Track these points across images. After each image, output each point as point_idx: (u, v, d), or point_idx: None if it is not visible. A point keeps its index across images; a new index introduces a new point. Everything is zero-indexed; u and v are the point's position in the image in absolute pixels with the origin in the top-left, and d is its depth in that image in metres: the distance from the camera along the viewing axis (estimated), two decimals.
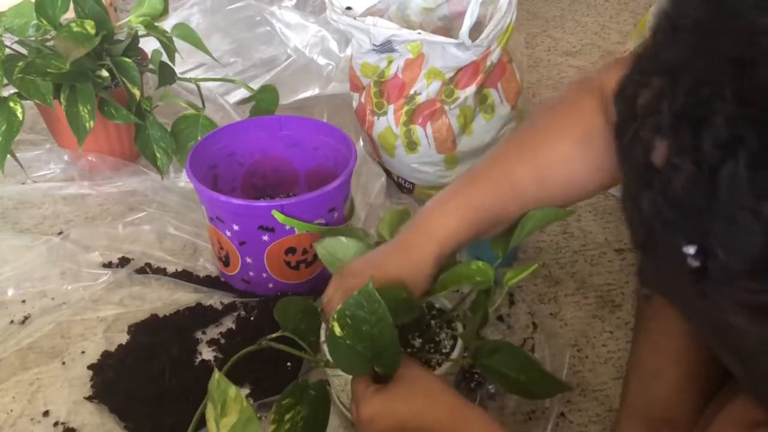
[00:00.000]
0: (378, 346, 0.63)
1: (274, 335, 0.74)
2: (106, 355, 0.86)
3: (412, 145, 1.04)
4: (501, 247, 0.73)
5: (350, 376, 0.70)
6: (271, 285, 0.92)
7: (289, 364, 0.83)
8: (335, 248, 0.77)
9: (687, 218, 0.39)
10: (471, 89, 1.00)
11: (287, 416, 0.65)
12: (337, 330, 0.63)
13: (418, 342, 0.75)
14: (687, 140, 0.37)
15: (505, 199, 0.66)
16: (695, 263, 0.40)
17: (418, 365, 0.65)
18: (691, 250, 0.39)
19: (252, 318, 0.90)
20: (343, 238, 0.77)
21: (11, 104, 1.02)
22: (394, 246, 0.68)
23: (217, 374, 0.61)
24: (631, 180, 0.42)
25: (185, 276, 0.97)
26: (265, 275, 0.91)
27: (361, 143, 1.16)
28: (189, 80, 1.14)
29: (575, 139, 0.64)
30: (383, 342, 0.63)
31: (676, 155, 0.38)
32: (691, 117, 0.37)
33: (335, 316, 0.63)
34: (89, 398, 0.81)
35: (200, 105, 1.12)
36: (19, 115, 1.02)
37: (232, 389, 0.60)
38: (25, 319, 0.91)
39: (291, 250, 0.89)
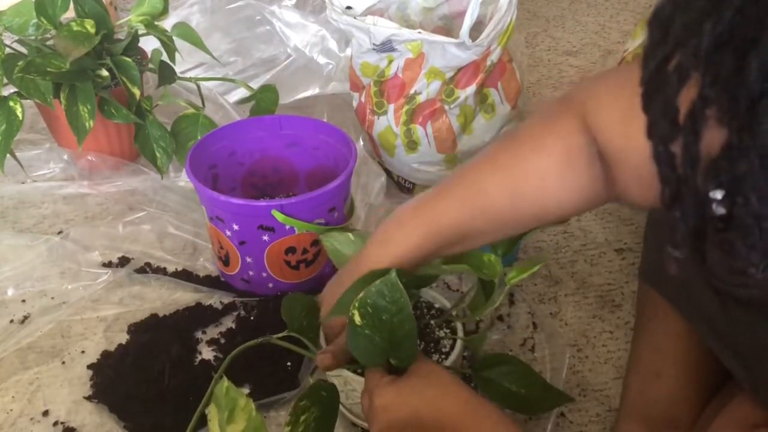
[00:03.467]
0: (396, 337, 0.63)
1: (280, 335, 0.75)
2: (105, 354, 0.86)
3: (412, 145, 1.04)
4: (502, 246, 0.73)
5: (350, 376, 0.71)
6: (271, 285, 0.92)
7: (288, 363, 0.83)
8: (341, 242, 0.77)
9: (717, 159, 0.36)
10: (471, 89, 1.00)
11: (302, 417, 0.66)
12: (357, 319, 0.63)
13: (421, 345, 0.75)
14: (728, 66, 0.33)
15: (473, 214, 0.63)
16: (721, 210, 0.37)
17: (432, 361, 0.65)
18: (718, 195, 0.37)
19: (252, 318, 0.90)
20: (349, 234, 0.78)
21: (11, 103, 1.02)
22: (353, 262, 0.67)
23: (226, 382, 0.61)
24: (658, 119, 0.39)
25: (185, 276, 0.97)
26: (265, 275, 0.91)
27: (361, 143, 1.16)
28: (189, 79, 1.14)
29: (553, 156, 0.61)
30: (402, 333, 0.63)
31: (710, 86, 0.35)
32: (737, 38, 0.33)
33: (356, 305, 0.63)
34: (89, 398, 0.81)
35: (200, 104, 1.12)
36: (19, 115, 1.02)
37: (242, 398, 0.60)
38: (25, 319, 0.91)
39: (291, 250, 0.89)
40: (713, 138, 0.36)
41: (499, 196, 0.62)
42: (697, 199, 0.38)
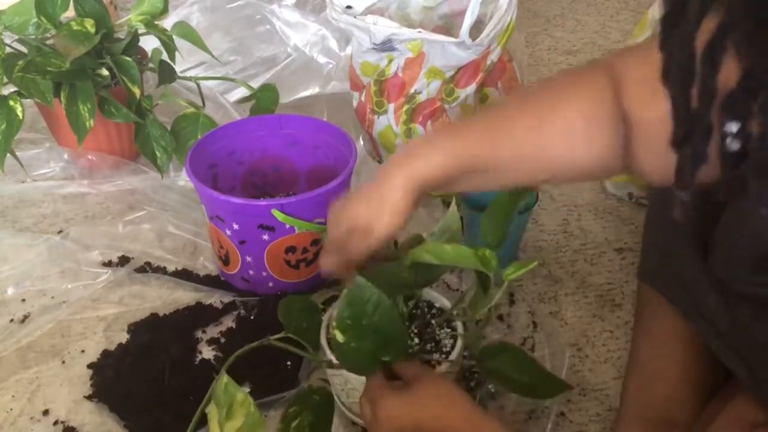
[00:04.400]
0: (383, 333, 0.63)
1: (277, 336, 0.75)
2: (106, 354, 0.86)
3: None
4: (493, 236, 0.73)
5: (350, 375, 0.71)
6: (271, 284, 0.92)
7: (289, 363, 0.83)
8: None
9: (733, 91, 0.35)
10: (471, 88, 1.00)
11: (294, 423, 0.65)
12: (340, 336, 0.62)
13: (416, 341, 0.75)
14: None
15: (498, 146, 0.62)
16: (735, 145, 0.37)
17: (435, 373, 0.65)
18: (733, 127, 0.36)
19: (252, 317, 0.90)
20: None
21: (11, 103, 1.02)
22: (377, 173, 0.65)
23: (225, 377, 0.61)
24: (675, 54, 0.39)
25: (185, 275, 0.97)
26: (265, 274, 0.91)
27: (361, 142, 1.16)
28: (189, 79, 1.14)
29: (582, 105, 0.60)
30: (388, 325, 0.62)
31: (732, 13, 0.34)
32: None
33: (335, 324, 0.63)
34: (89, 397, 0.81)
35: (200, 104, 1.12)
36: (19, 114, 1.02)
37: (240, 393, 0.60)
38: (25, 318, 0.91)
39: (291, 249, 0.89)
40: (730, 71, 0.36)
41: (526, 133, 0.62)
42: (709, 135, 0.38)
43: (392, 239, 0.67)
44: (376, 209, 0.63)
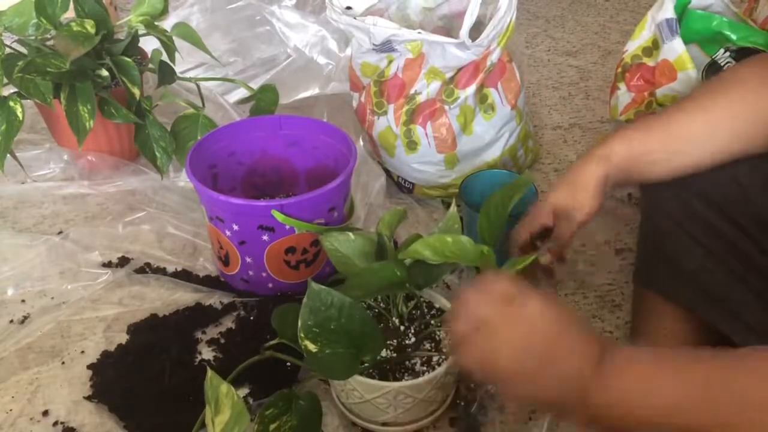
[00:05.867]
0: (356, 333, 0.62)
1: (274, 342, 0.74)
2: (105, 354, 0.86)
3: (412, 145, 1.04)
4: (489, 233, 0.73)
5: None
6: (270, 285, 0.92)
7: (288, 364, 0.83)
8: (341, 242, 0.77)
9: None
10: (471, 89, 1.00)
11: (272, 426, 0.65)
12: (312, 347, 0.62)
13: (412, 340, 0.75)
14: None
15: (674, 146, 0.70)
16: None
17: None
18: None
19: (251, 318, 0.90)
20: (350, 234, 0.78)
21: (11, 103, 1.02)
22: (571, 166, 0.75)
23: (210, 372, 0.61)
24: None
25: (185, 276, 0.97)
26: (264, 275, 0.91)
27: (361, 143, 1.16)
28: (189, 79, 1.14)
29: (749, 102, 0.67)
30: (359, 325, 0.62)
31: None
32: None
33: (302, 335, 0.62)
34: (89, 398, 0.81)
35: (200, 104, 1.12)
36: (19, 115, 1.02)
37: (224, 385, 0.60)
38: (25, 319, 0.91)
39: (291, 250, 0.89)
40: None
41: (698, 132, 0.70)
42: None
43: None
44: (577, 197, 0.72)
